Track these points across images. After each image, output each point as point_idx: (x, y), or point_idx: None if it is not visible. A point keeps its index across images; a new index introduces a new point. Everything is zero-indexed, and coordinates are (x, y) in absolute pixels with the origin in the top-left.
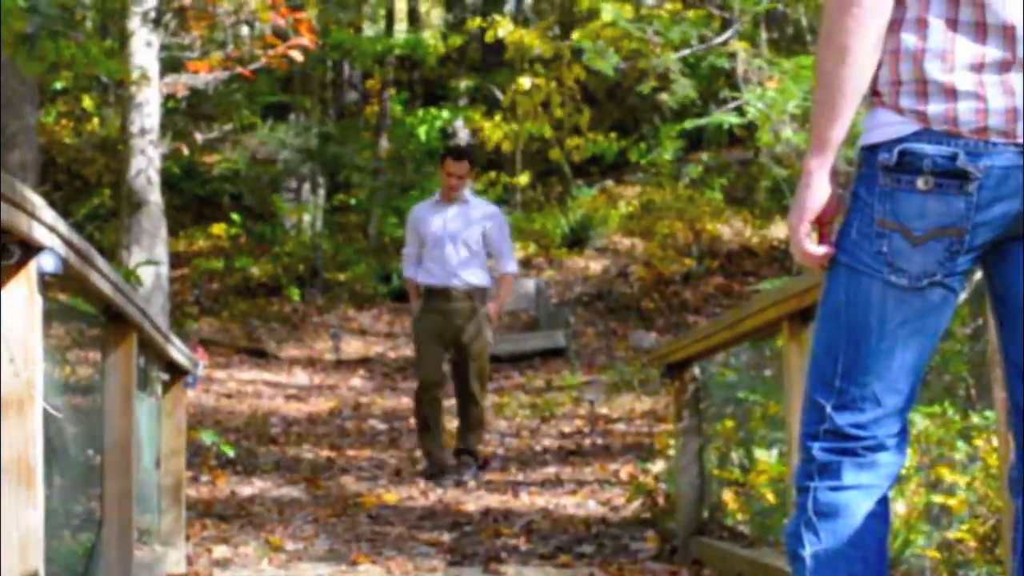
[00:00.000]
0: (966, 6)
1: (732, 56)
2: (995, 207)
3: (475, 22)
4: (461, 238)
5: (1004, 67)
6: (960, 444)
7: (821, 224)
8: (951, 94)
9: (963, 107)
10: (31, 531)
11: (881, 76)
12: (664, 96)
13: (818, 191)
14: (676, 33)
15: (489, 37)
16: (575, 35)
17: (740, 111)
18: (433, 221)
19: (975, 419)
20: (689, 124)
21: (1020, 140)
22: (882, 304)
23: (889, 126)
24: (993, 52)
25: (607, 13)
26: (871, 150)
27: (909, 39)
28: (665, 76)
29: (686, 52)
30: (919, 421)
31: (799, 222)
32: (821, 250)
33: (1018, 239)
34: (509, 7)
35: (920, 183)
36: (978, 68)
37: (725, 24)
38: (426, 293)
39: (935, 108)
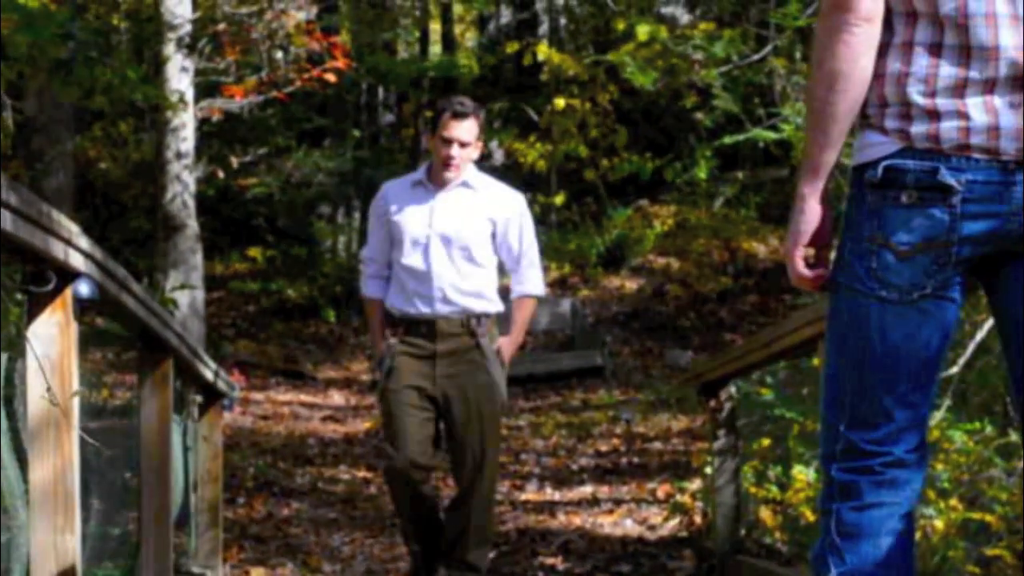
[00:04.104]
0: (950, 29)
1: (769, 74)
2: (981, 222)
3: (512, 46)
4: (458, 242)
5: (987, 87)
6: (998, 461)
7: (817, 247)
8: (934, 116)
9: (945, 126)
10: (68, 556)
11: (869, 99)
12: (700, 115)
13: (811, 215)
14: (717, 48)
15: (527, 60)
16: (611, 55)
17: (775, 128)
18: (414, 213)
19: (1013, 436)
20: (728, 140)
21: (1004, 157)
22: (880, 320)
23: (875, 146)
24: (976, 73)
25: (643, 33)
26: (859, 170)
27: (894, 63)
28: (704, 91)
29: (725, 68)
30: (957, 438)
31: (794, 246)
32: (813, 273)
33: (1015, 256)
34: (543, 29)
35: (904, 198)
36: (960, 91)
37: (760, 40)
38: (402, 325)
39: (918, 128)
